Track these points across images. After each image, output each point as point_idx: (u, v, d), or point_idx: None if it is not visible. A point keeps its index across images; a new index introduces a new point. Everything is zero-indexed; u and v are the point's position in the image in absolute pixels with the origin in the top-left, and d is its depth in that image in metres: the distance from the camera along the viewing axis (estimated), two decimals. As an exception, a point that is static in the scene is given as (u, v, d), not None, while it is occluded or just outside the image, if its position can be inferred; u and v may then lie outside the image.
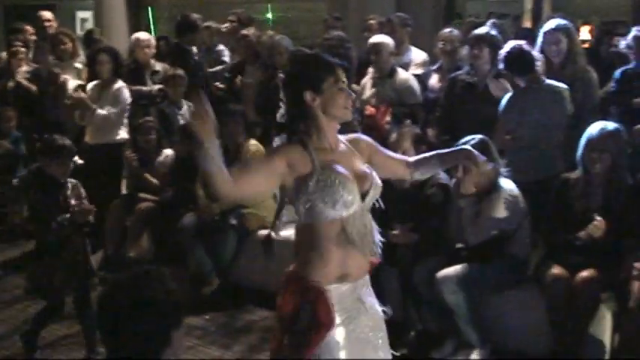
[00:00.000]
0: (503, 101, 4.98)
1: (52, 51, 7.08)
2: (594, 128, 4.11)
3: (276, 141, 2.80)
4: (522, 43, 4.89)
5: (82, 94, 6.14)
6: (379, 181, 2.70)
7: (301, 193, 2.56)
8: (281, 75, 2.75)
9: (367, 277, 2.75)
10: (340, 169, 2.58)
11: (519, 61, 4.77)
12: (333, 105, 2.62)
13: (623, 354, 3.88)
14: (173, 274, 2.10)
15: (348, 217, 2.56)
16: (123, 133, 6.22)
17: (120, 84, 6.18)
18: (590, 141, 4.07)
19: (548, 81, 4.81)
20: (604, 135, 4.04)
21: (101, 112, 6.04)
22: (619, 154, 4.08)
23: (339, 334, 2.58)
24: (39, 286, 4.38)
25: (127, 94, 6.21)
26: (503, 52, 4.87)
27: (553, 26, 5.05)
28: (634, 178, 4.13)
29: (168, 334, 2.01)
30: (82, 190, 4.54)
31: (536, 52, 4.91)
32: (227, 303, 5.14)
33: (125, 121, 6.25)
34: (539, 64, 4.86)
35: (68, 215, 4.24)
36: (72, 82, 6.72)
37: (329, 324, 2.54)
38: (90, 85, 6.27)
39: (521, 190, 4.32)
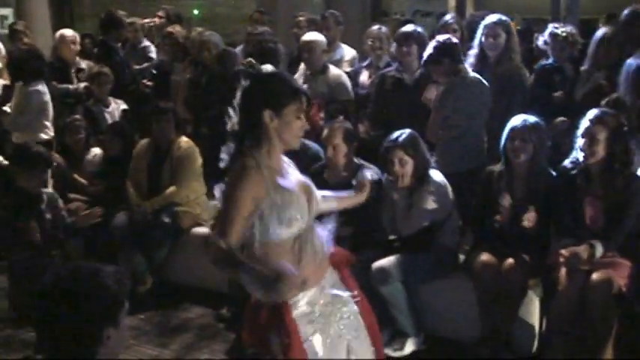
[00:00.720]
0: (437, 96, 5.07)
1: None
2: (517, 120, 4.24)
3: (224, 150, 2.78)
4: (449, 35, 5.06)
5: None
6: (317, 192, 2.76)
7: (254, 216, 2.55)
8: (243, 83, 2.71)
9: (331, 271, 2.79)
10: (290, 185, 2.61)
11: (450, 51, 4.87)
12: (288, 131, 2.64)
13: (551, 338, 4.03)
14: (117, 272, 2.07)
15: (300, 232, 2.60)
16: (45, 135, 5.91)
17: (35, 87, 5.85)
18: (513, 132, 4.20)
19: (473, 74, 4.95)
20: (527, 126, 4.17)
21: (6, 109, 5.85)
22: (540, 146, 4.21)
23: (316, 342, 2.62)
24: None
25: (43, 94, 5.90)
26: (432, 43, 4.96)
27: (494, 20, 5.20)
28: (555, 169, 4.28)
29: (101, 331, 1.98)
30: (60, 201, 4.32)
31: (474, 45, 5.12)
32: (162, 302, 5.08)
33: (47, 122, 6.01)
34: (472, 57, 5.04)
35: (72, 219, 4.08)
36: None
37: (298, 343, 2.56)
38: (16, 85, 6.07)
39: (450, 181, 4.44)
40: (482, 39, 5.20)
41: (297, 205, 2.59)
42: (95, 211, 4.13)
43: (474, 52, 5.29)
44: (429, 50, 4.93)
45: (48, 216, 4.07)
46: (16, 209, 4.00)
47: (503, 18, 5.27)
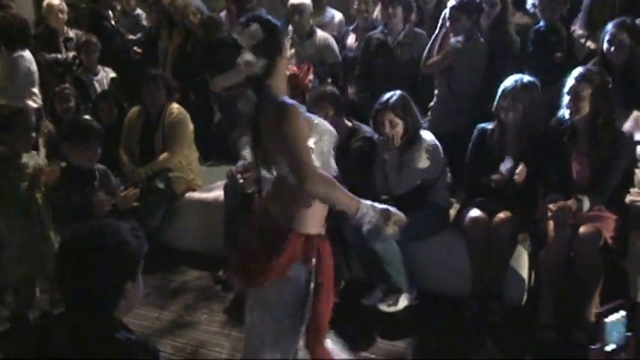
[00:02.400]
0: (452, 48, 5.23)
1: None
2: (510, 80, 4.32)
3: (241, 102, 2.85)
4: None
5: None
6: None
7: None
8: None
9: None
10: (328, 126, 2.76)
11: (470, 9, 5.08)
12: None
13: (540, 290, 4.16)
14: (133, 228, 2.15)
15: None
16: (32, 102, 5.94)
17: (19, 53, 5.86)
18: (505, 91, 4.29)
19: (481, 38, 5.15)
20: (518, 86, 4.26)
21: None
22: (531, 105, 4.28)
23: None
24: None
25: (27, 62, 5.90)
26: None
27: None
28: (545, 127, 4.35)
29: (123, 285, 2.08)
30: (113, 177, 4.24)
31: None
32: (159, 266, 5.16)
33: (34, 89, 6.02)
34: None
35: (113, 202, 3.88)
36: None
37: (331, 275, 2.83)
38: None
39: (445, 139, 4.54)
40: None
41: (331, 146, 2.76)
42: (134, 192, 4.02)
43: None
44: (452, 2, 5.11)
45: (101, 194, 3.99)
46: (69, 186, 3.91)
47: None
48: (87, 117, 5.39)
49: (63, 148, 4.01)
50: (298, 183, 2.61)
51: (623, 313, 1.50)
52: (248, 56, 2.69)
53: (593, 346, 1.48)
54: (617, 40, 4.46)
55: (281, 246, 2.73)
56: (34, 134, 4.13)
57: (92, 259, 2.03)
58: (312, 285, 2.79)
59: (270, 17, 2.81)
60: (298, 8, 5.95)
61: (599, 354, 1.47)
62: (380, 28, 5.81)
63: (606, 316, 1.48)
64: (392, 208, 2.82)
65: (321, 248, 2.83)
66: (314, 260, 2.78)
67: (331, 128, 2.82)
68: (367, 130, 4.66)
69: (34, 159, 4.19)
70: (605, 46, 4.52)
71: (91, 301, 2.05)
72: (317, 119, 2.78)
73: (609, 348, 1.48)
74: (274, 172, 2.79)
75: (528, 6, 5.92)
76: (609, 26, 4.54)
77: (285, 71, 2.86)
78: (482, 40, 5.17)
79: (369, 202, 2.79)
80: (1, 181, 4.01)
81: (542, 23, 5.34)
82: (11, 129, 3.89)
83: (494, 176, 4.21)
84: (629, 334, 1.50)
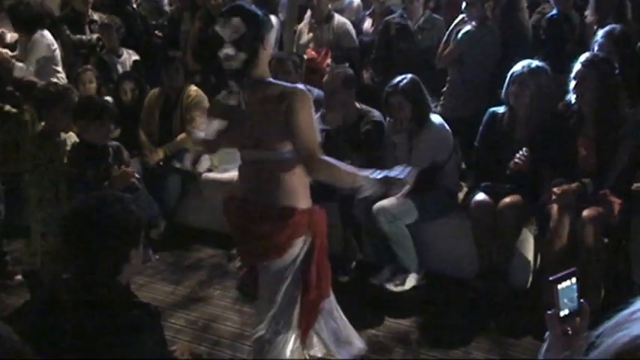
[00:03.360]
0: (464, 34, 5.29)
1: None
2: (518, 65, 4.36)
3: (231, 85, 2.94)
4: None
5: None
6: None
7: None
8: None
9: None
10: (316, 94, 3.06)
11: None
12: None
13: (545, 272, 4.22)
14: (136, 198, 2.29)
15: None
16: (58, 81, 5.96)
17: (39, 33, 5.92)
18: (513, 77, 4.34)
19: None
20: (525, 72, 4.30)
21: (19, 64, 5.84)
22: (539, 91, 4.31)
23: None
24: None
25: (47, 41, 5.97)
26: None
27: None
28: (552, 113, 4.40)
29: (129, 251, 2.22)
30: (126, 153, 4.31)
31: None
32: (175, 243, 5.33)
33: (57, 68, 6.10)
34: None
35: (106, 183, 3.89)
36: (9, 35, 6.66)
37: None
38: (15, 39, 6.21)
39: (456, 124, 4.64)
40: None
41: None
42: (129, 171, 4.01)
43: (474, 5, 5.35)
44: None
45: (116, 167, 4.06)
46: (84, 162, 3.99)
47: None
48: (105, 97, 5.56)
49: (78, 125, 4.12)
50: (306, 168, 2.82)
51: (574, 279, 1.59)
52: (228, 50, 2.76)
53: (549, 311, 1.57)
54: (604, 51, 4.47)
55: (286, 224, 2.88)
56: None
57: (100, 227, 2.15)
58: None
59: (252, 8, 2.87)
60: (315, -7, 6.02)
61: (554, 319, 1.56)
62: (399, 12, 5.87)
63: (559, 283, 1.57)
64: (392, 173, 2.94)
65: (317, 218, 2.99)
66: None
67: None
68: (376, 114, 4.75)
69: (72, 137, 4.33)
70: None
71: (97, 267, 2.18)
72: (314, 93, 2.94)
73: (562, 313, 1.57)
74: (265, 154, 2.88)
75: None
76: (599, 34, 4.58)
77: (267, 61, 2.95)
78: (494, 26, 5.22)
79: (369, 174, 2.90)
80: (39, 155, 4.17)
81: (554, 11, 5.35)
82: (55, 107, 4.05)
83: (511, 163, 4.22)
84: (582, 300, 1.59)
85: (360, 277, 4.68)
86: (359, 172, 2.92)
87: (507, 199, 4.26)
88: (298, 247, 2.95)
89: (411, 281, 4.50)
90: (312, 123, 2.80)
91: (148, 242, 2.36)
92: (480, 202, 4.32)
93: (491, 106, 4.63)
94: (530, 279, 4.49)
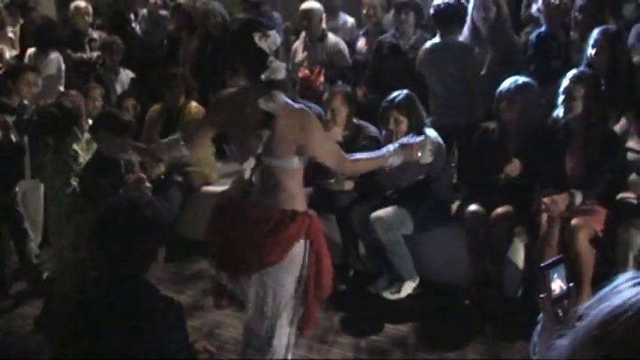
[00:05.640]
0: (421, 56, 5.48)
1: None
2: (506, 82, 4.56)
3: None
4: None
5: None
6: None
7: None
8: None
9: None
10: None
11: (450, 16, 5.33)
12: None
13: (535, 280, 4.39)
14: (159, 200, 2.44)
15: None
16: None
17: (55, 54, 6.19)
18: (501, 93, 4.54)
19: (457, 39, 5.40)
20: (512, 88, 4.50)
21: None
22: (527, 106, 4.51)
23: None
24: None
25: (60, 61, 6.23)
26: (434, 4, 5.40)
27: None
28: (541, 126, 4.61)
29: (158, 249, 2.37)
30: (136, 166, 4.38)
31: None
32: (176, 254, 5.42)
33: (60, 87, 6.32)
34: (465, 30, 5.41)
35: (121, 191, 3.93)
36: (7, 53, 6.82)
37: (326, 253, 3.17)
38: (28, 53, 6.38)
39: (446, 131, 4.85)
40: (474, 12, 5.40)
41: None
42: (143, 177, 4.04)
43: (466, 25, 5.51)
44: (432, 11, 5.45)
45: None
46: (97, 173, 4.07)
47: None
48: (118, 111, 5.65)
49: (99, 136, 4.17)
50: (340, 171, 3.56)
51: (562, 266, 1.77)
52: (275, 63, 2.97)
53: (541, 295, 1.74)
54: (599, 46, 4.69)
55: (290, 228, 3.04)
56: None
57: (134, 226, 2.29)
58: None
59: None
60: (307, 14, 6.20)
61: (546, 301, 1.74)
62: (391, 32, 6.06)
63: (549, 269, 1.75)
64: (402, 140, 3.45)
65: (313, 220, 3.13)
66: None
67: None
68: (373, 129, 4.94)
69: (82, 145, 4.50)
70: (589, 50, 4.77)
71: (128, 264, 2.32)
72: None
73: (553, 296, 1.74)
74: (279, 163, 3.04)
75: (533, 10, 6.09)
76: (595, 32, 4.78)
77: None
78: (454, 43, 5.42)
79: (392, 149, 3.32)
80: (60, 170, 4.27)
81: (543, 28, 5.54)
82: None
83: (502, 175, 4.42)
84: (571, 284, 1.77)
85: (358, 286, 4.84)
86: (378, 153, 3.38)
87: (500, 210, 4.43)
88: (299, 248, 3.08)
89: (406, 289, 4.66)
90: (326, 135, 3.09)
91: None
92: (474, 213, 4.49)
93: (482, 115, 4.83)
94: (522, 287, 4.65)
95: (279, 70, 2.98)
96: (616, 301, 1.20)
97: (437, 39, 5.45)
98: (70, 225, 4.28)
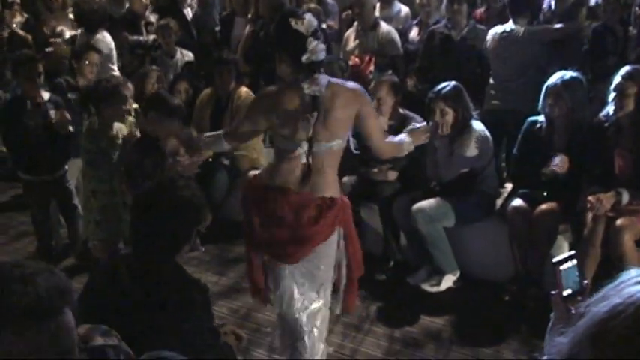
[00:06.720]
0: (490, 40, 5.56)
1: (43, 2, 7.32)
2: (554, 77, 4.46)
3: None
4: None
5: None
6: None
7: None
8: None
9: None
10: None
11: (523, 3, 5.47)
12: None
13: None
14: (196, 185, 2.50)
15: None
16: None
17: (101, 34, 6.30)
18: (548, 89, 4.44)
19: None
20: (559, 84, 4.39)
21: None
22: (575, 102, 4.39)
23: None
24: None
25: (109, 41, 6.35)
26: None
27: None
28: (591, 122, 4.50)
29: (192, 231, 2.42)
30: (181, 150, 4.31)
31: None
32: (220, 236, 5.52)
33: (113, 67, 6.42)
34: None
35: (180, 169, 3.93)
36: (68, 33, 7.01)
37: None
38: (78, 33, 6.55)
39: (501, 116, 4.89)
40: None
41: None
42: (196, 161, 4.02)
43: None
44: None
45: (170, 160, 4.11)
46: (143, 152, 4.11)
47: None
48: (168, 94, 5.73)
49: (148, 116, 4.19)
50: (378, 153, 3.52)
51: (574, 261, 1.75)
52: (313, 43, 2.99)
53: (552, 292, 1.72)
54: None
55: (329, 215, 3.12)
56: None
57: (172, 207, 2.36)
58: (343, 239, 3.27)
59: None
60: (360, 2, 6.17)
61: (557, 298, 1.72)
62: (443, 22, 6.02)
63: (560, 265, 1.72)
64: (410, 127, 3.74)
65: (347, 206, 3.26)
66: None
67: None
68: (419, 119, 4.89)
69: (123, 130, 4.54)
70: None
71: (162, 245, 2.37)
72: None
73: (566, 293, 1.72)
74: (332, 146, 3.11)
75: (592, 2, 6.00)
76: None
77: None
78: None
79: (404, 137, 3.58)
80: (94, 150, 4.39)
81: (600, 22, 5.44)
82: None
83: (547, 170, 4.33)
84: (585, 280, 1.74)
85: (398, 277, 4.84)
86: (400, 138, 3.56)
87: (544, 206, 4.37)
88: (335, 234, 3.22)
89: (446, 282, 4.65)
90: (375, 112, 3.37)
91: (196, 233, 2.52)
92: (517, 209, 4.44)
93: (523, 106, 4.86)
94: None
95: (319, 50, 3.00)
96: (615, 299, 1.18)
97: (509, 25, 5.54)
98: (96, 202, 4.40)
